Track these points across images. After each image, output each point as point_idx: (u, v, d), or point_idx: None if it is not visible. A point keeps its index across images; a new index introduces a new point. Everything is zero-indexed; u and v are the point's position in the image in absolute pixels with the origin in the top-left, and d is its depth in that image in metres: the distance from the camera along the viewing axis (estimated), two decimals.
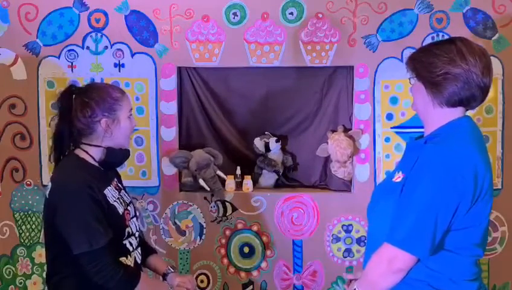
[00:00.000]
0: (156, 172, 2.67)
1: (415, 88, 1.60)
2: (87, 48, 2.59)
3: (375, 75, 2.59)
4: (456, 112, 1.55)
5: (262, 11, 2.56)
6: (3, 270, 2.71)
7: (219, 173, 2.68)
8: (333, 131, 2.74)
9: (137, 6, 2.57)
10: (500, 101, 2.58)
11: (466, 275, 1.52)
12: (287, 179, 2.89)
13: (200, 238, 2.70)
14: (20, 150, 2.65)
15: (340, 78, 2.73)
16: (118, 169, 2.02)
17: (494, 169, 2.56)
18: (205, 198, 2.68)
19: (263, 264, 2.71)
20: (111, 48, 2.60)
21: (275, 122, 2.86)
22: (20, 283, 2.72)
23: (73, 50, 2.59)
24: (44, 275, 2.62)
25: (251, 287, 2.72)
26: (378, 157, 2.64)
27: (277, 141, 2.77)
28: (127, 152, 1.93)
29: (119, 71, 2.61)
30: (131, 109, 1.89)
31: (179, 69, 2.67)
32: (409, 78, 1.61)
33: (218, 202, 2.69)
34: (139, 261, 1.91)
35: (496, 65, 2.51)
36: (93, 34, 2.59)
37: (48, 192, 1.77)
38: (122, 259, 1.79)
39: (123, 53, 2.60)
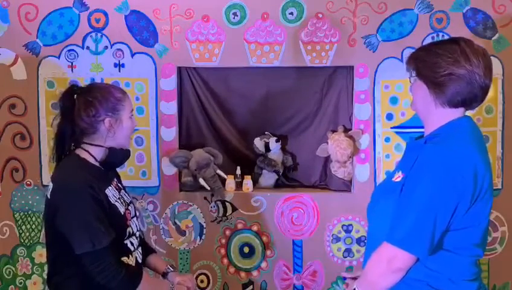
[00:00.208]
0: (156, 172, 2.67)
1: (415, 87, 1.59)
2: (87, 48, 2.59)
3: (375, 75, 2.59)
4: (457, 112, 1.55)
5: (262, 11, 2.56)
6: (3, 270, 2.71)
7: (219, 172, 2.68)
8: (333, 131, 2.74)
9: (137, 6, 2.57)
10: (500, 101, 2.58)
11: (465, 275, 1.52)
12: (287, 179, 2.89)
13: (200, 238, 2.71)
14: (20, 150, 2.65)
15: (340, 78, 2.73)
16: (118, 169, 2.02)
17: (494, 169, 2.56)
18: (205, 198, 2.69)
19: (263, 264, 2.71)
20: (111, 48, 2.60)
21: (275, 122, 2.86)
22: (20, 283, 2.72)
23: (73, 50, 2.60)
24: (44, 275, 2.65)
25: (251, 287, 2.72)
26: (378, 157, 2.64)
27: (277, 141, 2.77)
28: (128, 152, 1.93)
29: (119, 71, 2.61)
30: (133, 110, 1.90)
31: (179, 69, 2.67)
32: (409, 77, 1.61)
33: (218, 202, 2.69)
34: (140, 261, 1.92)
35: (496, 65, 2.51)
36: (93, 34, 2.59)
37: (49, 192, 1.77)
38: (124, 259, 1.79)
39: (123, 53, 2.60)
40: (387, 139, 2.63)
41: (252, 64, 2.61)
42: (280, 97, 2.79)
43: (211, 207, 2.69)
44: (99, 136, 1.80)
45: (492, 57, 1.69)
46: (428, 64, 1.53)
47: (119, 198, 1.83)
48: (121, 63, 2.61)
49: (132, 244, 1.85)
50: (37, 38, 2.59)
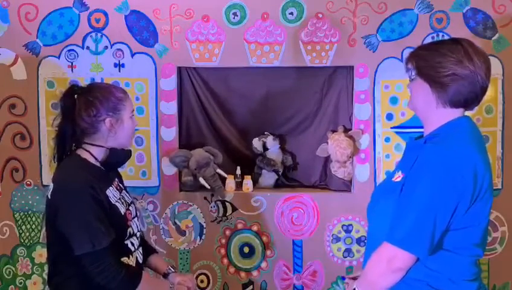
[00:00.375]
0: (156, 172, 2.67)
1: (415, 86, 1.58)
2: (87, 48, 2.59)
3: (375, 75, 2.60)
4: (456, 112, 1.55)
5: (262, 11, 2.56)
6: (3, 270, 2.71)
7: (219, 171, 2.68)
8: (333, 131, 2.74)
9: (137, 6, 2.57)
10: (500, 101, 2.58)
11: (465, 275, 1.52)
12: (287, 179, 2.89)
13: (200, 238, 2.71)
14: (20, 150, 2.65)
15: (340, 78, 2.73)
16: (119, 169, 2.02)
17: (494, 169, 2.56)
18: (205, 198, 2.69)
19: (263, 264, 2.71)
20: (111, 48, 2.60)
21: (275, 122, 2.86)
22: (20, 283, 2.72)
23: (73, 50, 2.60)
24: (44, 275, 2.65)
25: (251, 287, 2.72)
26: (378, 157, 2.64)
27: (274, 139, 2.76)
28: (129, 152, 1.93)
29: (119, 71, 2.61)
30: (133, 109, 1.90)
31: (179, 69, 2.67)
32: (409, 76, 1.60)
33: (218, 202, 2.69)
34: (140, 261, 1.91)
35: (496, 65, 2.51)
36: (93, 34, 2.59)
37: (49, 192, 1.76)
38: (124, 259, 1.79)
39: (123, 53, 2.60)
40: (387, 139, 2.63)
41: (252, 64, 2.61)
42: (280, 97, 2.79)
43: (211, 207, 2.69)
44: (100, 136, 1.80)
45: (492, 57, 1.70)
46: (431, 64, 1.52)
47: (119, 198, 1.83)
48: (121, 63, 2.61)
49: (133, 244, 1.85)
50: (37, 38, 2.59)
